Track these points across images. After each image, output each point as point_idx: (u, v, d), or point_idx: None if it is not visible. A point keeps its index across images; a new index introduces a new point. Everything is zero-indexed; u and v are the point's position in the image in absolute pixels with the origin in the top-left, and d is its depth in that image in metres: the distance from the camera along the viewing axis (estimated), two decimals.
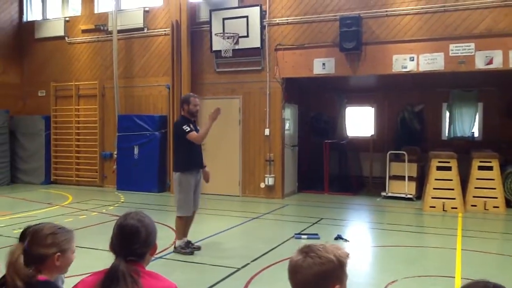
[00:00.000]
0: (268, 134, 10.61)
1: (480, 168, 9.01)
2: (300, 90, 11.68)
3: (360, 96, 12.60)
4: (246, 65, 10.80)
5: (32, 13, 13.75)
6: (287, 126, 10.96)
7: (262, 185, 10.65)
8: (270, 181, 10.53)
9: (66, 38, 12.89)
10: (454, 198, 8.89)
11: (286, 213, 9.14)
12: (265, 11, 10.55)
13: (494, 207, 8.81)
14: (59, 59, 13.02)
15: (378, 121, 12.50)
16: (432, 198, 9.01)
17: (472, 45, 8.96)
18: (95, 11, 12.64)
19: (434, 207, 8.95)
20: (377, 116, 12.52)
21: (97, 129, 12.35)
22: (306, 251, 1.63)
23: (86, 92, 12.63)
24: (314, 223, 7.84)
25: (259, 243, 6.47)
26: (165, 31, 11.54)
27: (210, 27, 10.83)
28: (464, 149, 10.28)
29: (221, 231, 7.32)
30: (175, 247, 5.98)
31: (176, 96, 10.89)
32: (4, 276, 2.23)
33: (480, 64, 8.92)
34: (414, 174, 10.43)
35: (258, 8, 10.43)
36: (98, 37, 12.49)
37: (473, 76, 10.27)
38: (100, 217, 8.39)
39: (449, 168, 9.01)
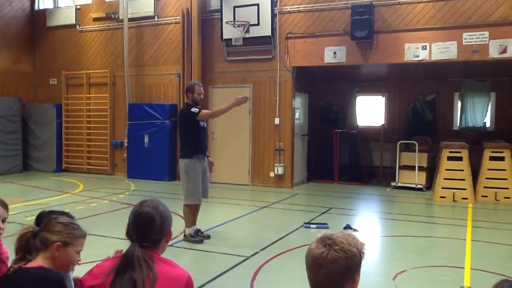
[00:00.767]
0: (278, 123, 10.60)
1: (492, 158, 8.93)
2: (310, 79, 11.62)
3: (371, 85, 12.50)
4: (256, 54, 10.76)
5: (44, 2, 13.79)
6: (297, 115, 10.93)
7: (272, 174, 10.66)
8: (279, 170, 10.53)
9: (77, 26, 12.92)
10: (464, 189, 8.83)
11: (296, 202, 9.15)
12: None
13: (505, 197, 8.74)
14: (70, 48, 13.07)
15: (388, 110, 12.41)
16: (443, 188, 8.96)
17: (486, 33, 8.83)
18: None
19: (444, 197, 8.90)
20: (388, 106, 12.42)
21: (108, 117, 12.42)
22: (329, 243, 1.62)
23: (97, 80, 12.69)
24: (323, 213, 7.85)
25: (268, 232, 6.49)
26: (175, 19, 11.52)
27: (221, 15, 10.79)
28: (475, 140, 10.18)
29: (230, 220, 7.36)
30: (184, 235, 6.02)
31: (186, 85, 10.87)
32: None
33: (494, 53, 8.80)
34: (425, 164, 10.37)
35: None
36: (109, 26, 12.51)
37: (486, 66, 10.13)
38: (111, 205, 8.47)
39: (460, 159, 8.94)
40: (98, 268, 2.04)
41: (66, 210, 2.57)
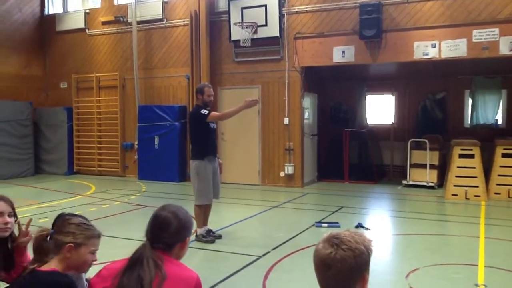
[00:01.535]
0: (287, 123, 10.60)
1: (504, 155, 8.86)
2: (319, 79, 11.61)
3: (380, 84, 12.45)
4: (265, 55, 10.78)
5: (53, 6, 13.92)
6: (306, 115, 10.93)
7: (282, 174, 10.67)
8: (289, 170, 10.54)
9: (87, 30, 13.03)
10: (477, 186, 8.76)
11: (306, 201, 9.14)
12: (284, 0, 10.48)
13: None
14: (80, 51, 13.19)
15: (398, 109, 12.36)
16: (454, 186, 8.90)
17: (496, 30, 8.76)
18: (115, 3, 12.74)
19: (456, 195, 8.84)
20: (398, 104, 12.37)
21: (118, 120, 12.51)
22: (336, 243, 1.60)
23: (107, 83, 12.79)
24: (334, 212, 7.84)
25: (280, 232, 6.50)
26: (184, 21, 11.57)
27: (229, 16, 10.82)
28: (487, 137, 10.11)
29: (241, 219, 7.37)
30: (196, 236, 6.04)
31: (195, 86, 10.86)
32: None
33: (504, 50, 8.73)
34: (436, 162, 10.32)
35: None
36: (118, 29, 12.60)
37: (497, 62, 10.05)
38: (122, 206, 8.52)
39: (472, 156, 8.88)
40: (106, 270, 2.06)
41: (78, 212, 2.60)
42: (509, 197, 8.69)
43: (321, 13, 10.26)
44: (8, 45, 12.85)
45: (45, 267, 2.17)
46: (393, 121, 12.26)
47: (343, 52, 10.03)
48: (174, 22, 11.81)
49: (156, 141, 11.68)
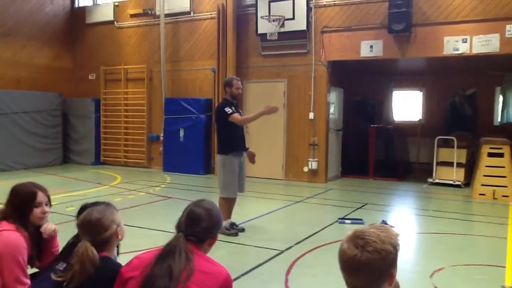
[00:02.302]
0: (312, 118, 10.54)
1: None
2: (346, 74, 11.49)
3: (408, 79, 12.26)
4: (291, 48, 10.73)
5: None
6: (332, 110, 10.84)
7: (306, 169, 10.63)
8: (313, 165, 10.49)
9: (115, 22, 13.20)
10: (505, 186, 8.55)
11: (330, 197, 9.10)
12: None
13: None
14: (109, 44, 13.37)
15: (426, 105, 12.14)
16: (482, 185, 8.72)
17: None
18: None
19: (483, 194, 8.66)
20: (426, 100, 12.16)
21: (145, 112, 12.66)
22: (361, 244, 1.57)
23: (134, 75, 12.95)
24: (358, 208, 7.78)
25: (303, 227, 6.49)
26: (211, 14, 11.61)
27: (256, 10, 10.79)
28: None
29: (264, 213, 7.39)
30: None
31: (221, 80, 10.95)
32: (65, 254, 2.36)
33: None
34: (463, 161, 10.11)
35: None
36: (146, 22, 12.72)
37: None
38: (147, 197, 8.65)
39: (501, 155, 8.67)
40: (137, 259, 2.09)
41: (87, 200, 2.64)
42: None
43: (349, 7, 10.14)
44: (40, 37, 13.13)
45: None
46: (421, 118, 12.07)
47: (371, 46, 9.90)
48: (202, 15, 11.86)
49: (182, 133, 11.78)
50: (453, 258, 5.13)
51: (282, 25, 10.45)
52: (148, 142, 12.71)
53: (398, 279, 1.66)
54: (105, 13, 13.32)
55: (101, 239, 2.26)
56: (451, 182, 9.91)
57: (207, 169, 11.55)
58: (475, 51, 9.01)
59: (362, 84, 12.42)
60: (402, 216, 7.76)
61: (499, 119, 11.42)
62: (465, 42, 9.07)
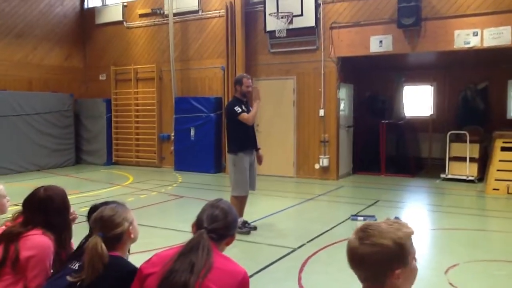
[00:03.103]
0: (322, 114, 10.50)
1: None
2: (355, 69, 11.43)
3: (419, 74, 12.16)
4: (300, 45, 10.69)
5: (93, 0, 14.22)
6: (342, 106, 10.80)
7: (317, 166, 10.60)
8: (324, 162, 10.46)
9: (125, 22, 13.26)
10: None
11: (342, 194, 9.07)
12: None
13: None
14: (118, 44, 13.44)
15: (437, 100, 12.04)
16: (496, 180, 8.62)
17: None
18: None
19: (497, 189, 8.56)
20: (437, 95, 12.06)
21: (155, 111, 12.71)
22: (361, 236, 1.58)
23: (144, 75, 13.00)
24: (370, 205, 7.74)
25: (315, 224, 6.48)
26: (219, 12, 11.60)
27: (264, 7, 10.77)
28: None
29: (276, 211, 7.39)
30: None
31: (231, 78, 10.97)
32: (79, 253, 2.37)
33: None
34: (476, 155, 10.00)
35: None
36: (154, 21, 12.76)
37: None
38: (159, 196, 8.69)
39: None
40: (157, 257, 2.11)
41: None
42: None
43: (357, 2, 10.08)
44: (50, 38, 13.24)
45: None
46: (432, 113, 11.97)
47: (381, 41, 9.83)
48: (210, 14, 11.86)
49: (192, 132, 11.81)
50: (468, 254, 5.09)
51: (291, 22, 10.42)
52: (159, 142, 12.76)
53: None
54: (114, 14, 13.38)
55: (112, 236, 2.28)
56: (464, 178, 9.81)
57: (218, 167, 11.57)
58: (486, 44, 8.90)
59: (372, 80, 12.34)
60: (415, 212, 7.71)
61: None
62: (476, 35, 8.97)
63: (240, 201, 6.13)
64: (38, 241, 2.53)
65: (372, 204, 7.80)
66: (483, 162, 10.06)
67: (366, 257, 1.55)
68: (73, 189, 9.12)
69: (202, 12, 11.97)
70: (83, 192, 8.93)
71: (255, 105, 6.11)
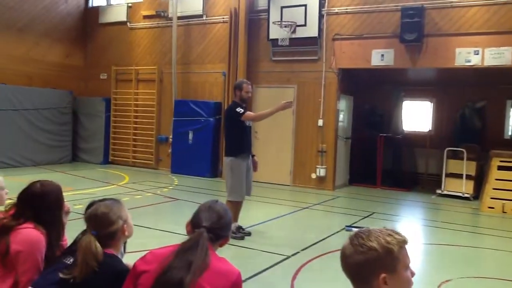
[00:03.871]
0: (321, 125, 10.53)
1: None
2: (356, 82, 11.47)
3: (418, 90, 12.21)
4: (302, 55, 10.73)
5: None
6: (341, 117, 10.83)
7: (313, 176, 10.61)
8: (321, 172, 10.46)
9: (128, 23, 13.28)
10: None
11: (337, 205, 9.06)
12: (324, 0, 10.41)
13: None
14: (121, 44, 13.46)
15: (436, 116, 12.09)
16: (491, 198, 8.65)
17: None
18: None
19: (492, 208, 8.59)
20: (435, 111, 12.10)
21: (154, 113, 12.71)
22: (351, 238, 1.62)
23: (145, 76, 13.01)
24: (365, 217, 7.74)
25: (309, 233, 6.47)
26: (223, 18, 11.65)
27: (268, 15, 10.82)
28: None
29: (271, 218, 7.38)
30: None
31: (231, 83, 10.97)
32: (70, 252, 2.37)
33: None
34: (473, 173, 10.03)
35: None
36: (158, 23, 12.79)
37: None
38: (154, 198, 8.66)
39: (511, 169, 8.60)
40: (152, 254, 2.10)
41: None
42: None
43: (361, 15, 10.14)
44: (53, 35, 13.25)
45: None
46: (430, 129, 12.01)
47: (382, 55, 9.89)
48: (214, 19, 11.90)
49: (190, 135, 11.81)
50: (461, 270, 5.09)
51: (294, 31, 10.47)
52: (156, 143, 12.74)
53: None
54: (118, 14, 13.41)
55: (106, 233, 2.27)
56: (460, 194, 9.83)
57: (215, 172, 11.56)
58: (486, 63, 8.97)
59: (372, 93, 12.39)
60: (410, 227, 7.71)
61: (509, 133, 11.33)
62: (477, 54, 9.04)
63: (236, 206, 6.11)
64: (29, 235, 2.50)
65: (367, 216, 7.81)
66: (479, 180, 10.09)
67: (353, 257, 1.57)
68: (68, 186, 9.07)
69: (206, 17, 12.01)
70: (77, 189, 8.88)
71: (274, 108, 5.96)
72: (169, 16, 12.34)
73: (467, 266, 5.34)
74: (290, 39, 10.43)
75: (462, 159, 9.94)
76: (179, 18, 12.15)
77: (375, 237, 1.57)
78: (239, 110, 5.98)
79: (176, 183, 10.53)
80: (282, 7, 10.60)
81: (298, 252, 5.49)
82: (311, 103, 10.68)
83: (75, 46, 13.91)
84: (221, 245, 2.20)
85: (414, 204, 9.49)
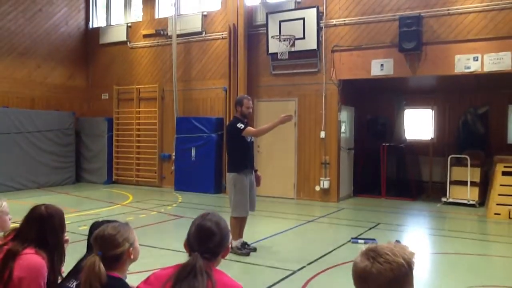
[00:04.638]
0: (323, 136, 10.52)
1: None
2: (356, 92, 11.49)
3: (420, 97, 12.21)
4: (302, 67, 10.78)
5: (97, 20, 14.41)
6: (343, 128, 10.82)
7: (317, 188, 10.57)
8: (325, 184, 10.43)
9: (128, 43, 13.40)
10: None
11: (342, 217, 9.01)
12: (322, 13, 10.48)
13: None
14: (122, 63, 13.56)
15: (438, 123, 12.06)
16: (497, 204, 8.58)
17: None
18: (156, 17, 13.06)
19: (499, 214, 8.52)
20: (437, 119, 12.08)
21: (157, 131, 12.74)
22: (373, 256, 1.56)
23: (146, 95, 13.07)
24: (371, 228, 7.68)
25: (315, 247, 6.42)
26: (222, 34, 11.73)
27: (267, 30, 10.89)
28: None
29: (276, 233, 7.33)
30: (231, 247, 6.04)
31: (232, 99, 11.02)
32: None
33: None
34: (477, 179, 9.97)
35: (314, 9, 10.37)
36: (158, 42, 12.89)
37: None
38: (159, 216, 8.64)
39: None
40: (155, 276, 2.09)
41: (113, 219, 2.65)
42: None
43: (359, 26, 10.20)
44: (54, 57, 13.37)
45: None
46: (433, 136, 11.97)
47: (382, 65, 9.91)
48: (213, 35, 11.99)
49: (193, 152, 11.82)
50: (470, 279, 5.03)
51: (293, 45, 10.52)
52: (160, 161, 12.76)
53: None
54: (119, 34, 13.53)
55: (111, 255, 2.25)
56: (465, 202, 9.77)
57: (219, 188, 11.54)
58: (486, 69, 8.97)
59: (373, 103, 12.39)
60: (417, 236, 7.65)
61: None
62: (476, 60, 9.05)
63: (240, 222, 6.09)
64: (31, 261, 2.50)
65: (373, 227, 7.75)
66: (484, 186, 10.03)
67: (382, 274, 1.53)
68: (72, 207, 9.09)
69: (205, 33, 12.10)
70: (82, 210, 8.88)
71: (274, 123, 5.93)
72: (169, 34, 12.44)
73: (476, 274, 5.27)
74: (290, 52, 10.48)
75: (466, 165, 9.89)
76: (179, 35, 12.24)
77: (398, 253, 1.56)
78: (240, 126, 5.99)
79: (180, 201, 10.51)
80: (280, 21, 10.67)
81: (304, 267, 5.44)
82: (312, 115, 10.69)
83: (76, 67, 14.02)
84: (223, 257, 2.19)
85: (420, 213, 9.42)
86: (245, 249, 6.02)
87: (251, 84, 11.30)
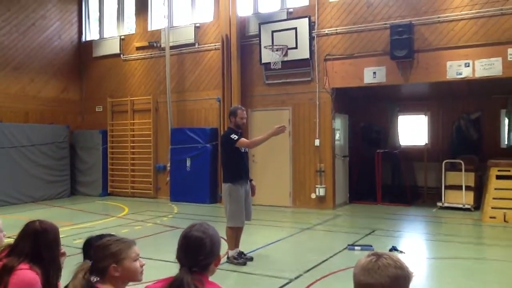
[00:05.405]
0: (318, 144, 10.56)
1: None
2: (350, 100, 11.56)
3: (413, 104, 12.29)
4: (295, 77, 10.84)
5: (90, 33, 14.45)
6: (337, 136, 10.87)
7: (313, 196, 10.58)
8: (321, 191, 10.44)
9: (122, 55, 13.43)
10: None
11: (338, 224, 9.02)
12: (314, 22, 10.57)
13: None
14: (115, 76, 13.58)
15: (432, 129, 12.13)
16: (492, 208, 8.63)
17: None
18: (149, 29, 13.11)
19: (494, 217, 8.56)
20: (431, 125, 12.16)
21: (151, 142, 12.74)
22: (378, 254, 1.60)
23: (140, 107, 13.08)
24: (367, 234, 7.69)
25: (312, 254, 6.42)
26: (215, 45, 11.79)
27: (259, 40, 10.96)
28: None
29: (273, 242, 7.32)
30: (228, 257, 6.03)
31: (226, 109, 11.05)
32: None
33: None
34: (472, 184, 10.04)
35: (306, 19, 10.45)
36: (151, 54, 12.94)
37: None
38: (155, 227, 8.61)
39: (510, 177, 8.61)
40: None
41: (112, 233, 2.65)
42: None
43: (351, 35, 10.28)
44: (48, 70, 13.37)
45: None
46: (427, 142, 12.04)
47: (374, 73, 9.99)
48: (206, 46, 12.05)
49: (188, 163, 11.82)
50: (467, 284, 5.05)
51: (286, 54, 10.59)
52: (154, 172, 12.74)
53: None
54: (112, 46, 13.57)
55: (98, 267, 2.24)
56: (461, 206, 9.82)
57: (214, 198, 11.53)
58: (478, 75, 9.06)
59: (367, 110, 12.46)
60: (413, 242, 7.66)
61: (505, 142, 11.37)
62: (468, 66, 9.14)
63: (236, 232, 6.09)
64: (25, 276, 2.49)
65: (369, 234, 7.76)
66: (479, 191, 10.08)
67: (386, 268, 1.55)
68: (67, 220, 9.04)
69: (198, 45, 12.16)
70: (77, 223, 8.84)
71: (268, 134, 5.95)
72: (162, 46, 12.49)
73: (472, 279, 5.29)
74: (282, 62, 10.54)
75: (460, 170, 9.96)
76: (172, 47, 12.29)
77: (400, 260, 1.60)
78: (234, 136, 6.01)
79: (176, 211, 10.49)
80: (272, 31, 10.74)
81: (301, 275, 5.44)
82: (306, 124, 10.74)
83: (70, 81, 14.03)
84: (216, 265, 2.15)
85: (416, 218, 9.45)
86: (242, 259, 6.01)
87: (245, 94, 11.35)
